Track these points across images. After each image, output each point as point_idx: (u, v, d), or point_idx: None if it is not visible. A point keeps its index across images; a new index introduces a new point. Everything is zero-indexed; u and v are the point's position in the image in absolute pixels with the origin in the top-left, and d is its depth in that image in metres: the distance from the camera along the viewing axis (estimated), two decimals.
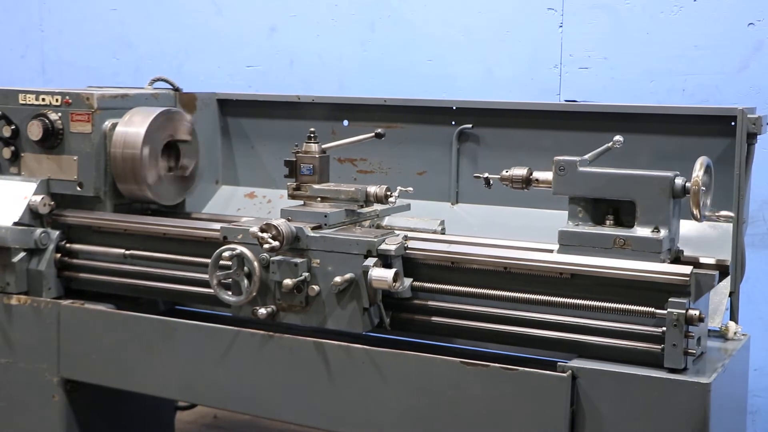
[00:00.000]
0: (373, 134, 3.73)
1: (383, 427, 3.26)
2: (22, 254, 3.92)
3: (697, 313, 2.90)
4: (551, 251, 3.21)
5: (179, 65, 5.75)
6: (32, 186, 3.97)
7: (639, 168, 3.19)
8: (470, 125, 4.04)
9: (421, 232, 3.65)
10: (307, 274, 3.31)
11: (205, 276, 3.47)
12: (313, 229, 3.36)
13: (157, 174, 4.00)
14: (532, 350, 3.30)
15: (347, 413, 3.32)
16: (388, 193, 3.50)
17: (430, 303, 3.33)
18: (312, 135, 3.66)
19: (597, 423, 2.97)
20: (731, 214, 3.18)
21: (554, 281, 3.16)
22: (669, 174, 3.08)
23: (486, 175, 3.38)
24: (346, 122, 4.30)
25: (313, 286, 3.30)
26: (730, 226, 3.36)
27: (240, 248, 3.36)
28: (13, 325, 3.94)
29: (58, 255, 3.97)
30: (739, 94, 4.42)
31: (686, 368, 2.92)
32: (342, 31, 5.35)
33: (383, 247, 3.26)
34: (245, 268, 3.37)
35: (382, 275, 3.20)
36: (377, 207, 3.59)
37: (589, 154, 3.24)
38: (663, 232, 3.06)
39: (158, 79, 4.38)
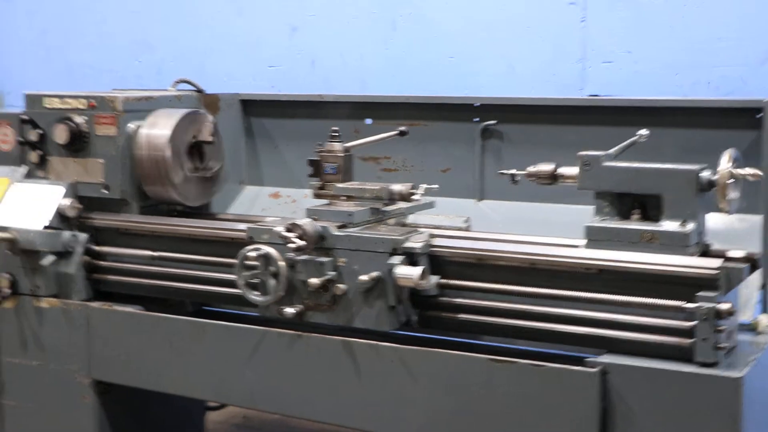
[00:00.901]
0: (396, 132, 3.73)
1: (412, 424, 3.26)
2: (51, 257, 3.94)
3: (727, 306, 2.88)
4: (578, 246, 3.20)
5: (201, 66, 5.77)
6: (61, 189, 4.00)
7: (665, 162, 3.17)
8: (494, 122, 4.03)
9: (447, 229, 3.65)
10: (333, 273, 3.31)
11: (232, 276, 3.48)
12: (338, 228, 3.36)
13: (183, 175, 4.01)
14: (560, 346, 3.29)
15: (376, 411, 3.32)
16: (413, 190, 3.49)
17: (457, 300, 3.33)
18: (335, 134, 3.67)
19: (628, 418, 2.95)
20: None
21: (581, 276, 3.14)
22: (695, 167, 3.06)
23: (512, 171, 3.37)
24: (369, 121, 4.30)
25: (340, 285, 3.30)
26: (758, 218, 3.33)
27: (266, 248, 3.37)
28: (44, 328, 3.97)
29: (87, 258, 3.99)
30: (765, 86, 4.38)
31: (717, 362, 2.90)
32: (363, 29, 5.35)
33: (408, 244, 3.26)
34: (271, 268, 3.37)
35: (407, 273, 3.20)
36: (402, 205, 3.59)
37: (614, 149, 3.22)
38: (690, 226, 3.04)
39: (181, 81, 4.39)
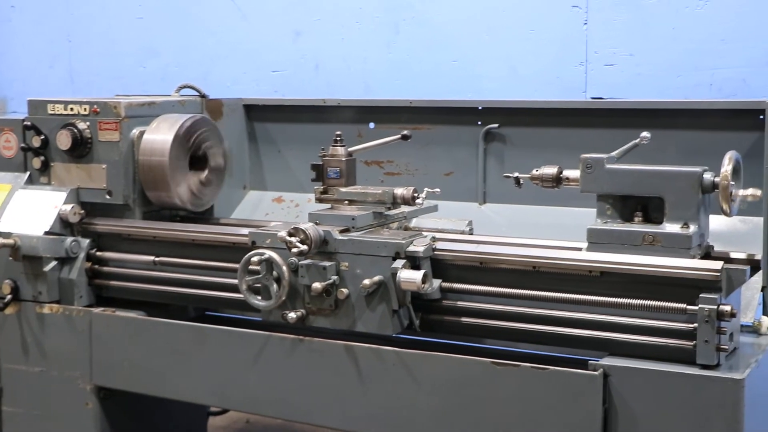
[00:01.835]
0: (399, 136, 3.73)
1: (415, 428, 3.26)
2: (53, 263, 3.95)
3: (728, 308, 2.87)
4: (580, 249, 3.19)
5: (205, 72, 5.78)
6: (62, 195, 4.01)
7: (667, 164, 3.16)
8: (496, 125, 4.03)
9: (449, 232, 3.64)
10: (335, 277, 3.31)
11: (235, 281, 3.48)
12: (341, 232, 3.36)
13: (185, 181, 4.02)
14: (562, 349, 3.29)
15: (379, 415, 3.32)
16: (416, 194, 3.49)
17: (460, 304, 3.32)
18: (338, 138, 3.67)
19: (630, 421, 2.95)
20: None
21: (584, 279, 3.14)
22: (697, 169, 3.05)
23: (516, 174, 3.37)
24: (372, 125, 4.31)
25: (342, 289, 3.30)
26: (760, 220, 3.33)
27: (268, 253, 3.37)
28: (46, 334, 3.98)
29: (89, 263, 4.00)
30: None
31: (719, 364, 2.90)
32: (366, 33, 5.36)
33: (411, 248, 3.25)
34: (274, 273, 3.38)
35: (410, 277, 3.20)
36: (405, 209, 3.59)
37: (617, 151, 3.22)
38: (692, 228, 3.03)
39: (185, 86, 4.40)
